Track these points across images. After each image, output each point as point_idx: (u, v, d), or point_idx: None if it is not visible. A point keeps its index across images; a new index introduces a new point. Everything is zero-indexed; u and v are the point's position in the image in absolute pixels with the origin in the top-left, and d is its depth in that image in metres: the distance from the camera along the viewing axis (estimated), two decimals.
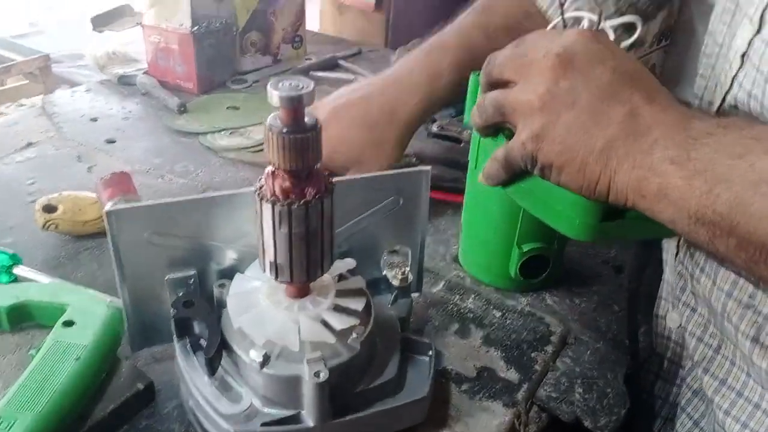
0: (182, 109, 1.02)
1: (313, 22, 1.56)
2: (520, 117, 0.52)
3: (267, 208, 0.45)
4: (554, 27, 0.65)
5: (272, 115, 0.44)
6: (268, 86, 0.43)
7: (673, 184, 0.47)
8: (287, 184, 0.45)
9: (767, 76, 0.51)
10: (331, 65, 1.25)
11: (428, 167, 0.59)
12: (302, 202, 0.45)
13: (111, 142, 0.94)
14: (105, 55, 1.16)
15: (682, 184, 0.46)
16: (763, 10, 0.52)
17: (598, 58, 0.50)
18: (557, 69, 0.50)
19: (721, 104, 0.57)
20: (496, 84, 0.55)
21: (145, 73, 1.12)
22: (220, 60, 1.13)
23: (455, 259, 0.74)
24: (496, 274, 0.69)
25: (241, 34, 1.16)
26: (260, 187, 0.46)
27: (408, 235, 0.61)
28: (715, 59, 0.60)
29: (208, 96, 1.10)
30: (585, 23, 0.62)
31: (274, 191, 0.45)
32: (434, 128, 0.95)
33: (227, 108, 1.06)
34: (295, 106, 0.43)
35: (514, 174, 0.56)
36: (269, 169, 0.46)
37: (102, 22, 1.15)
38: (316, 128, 0.45)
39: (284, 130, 0.43)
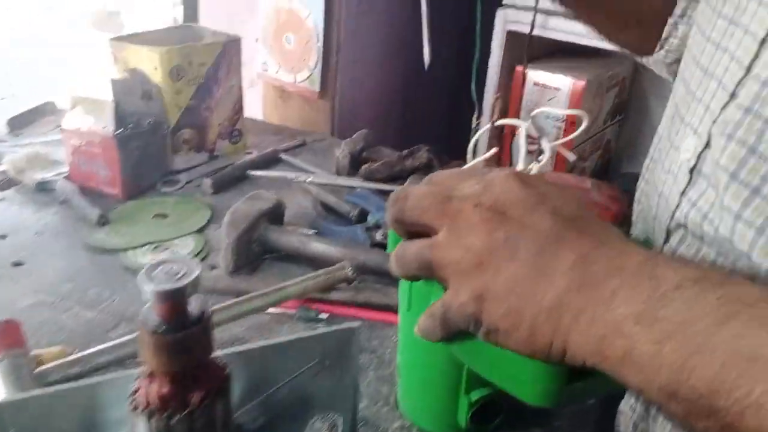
0: (102, 221, 0.93)
1: (255, 110, 1.49)
2: (454, 275, 0.45)
3: (142, 421, 0.37)
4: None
5: (147, 306, 0.36)
6: (140, 276, 0.35)
7: (640, 350, 0.39)
8: (166, 390, 0.36)
9: (724, 201, 0.45)
10: (273, 159, 1.18)
11: (357, 324, 0.51)
12: (185, 412, 0.36)
13: (18, 264, 0.85)
14: (24, 158, 1.07)
15: (651, 349, 0.38)
16: (711, 125, 0.47)
17: (534, 203, 0.44)
18: (491, 222, 0.44)
19: (669, 223, 0.52)
20: (412, 227, 0.48)
21: (65, 177, 1.03)
22: (149, 161, 1.05)
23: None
24: (443, 422, 0.61)
25: (173, 131, 1.08)
26: (134, 392, 0.37)
27: (338, 400, 0.52)
28: (660, 168, 0.55)
29: (135, 202, 1.02)
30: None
31: (149, 400, 0.36)
32: (378, 236, 0.87)
33: (154, 216, 0.98)
34: (174, 300, 0.35)
35: (454, 332, 0.48)
36: (145, 370, 0.37)
37: (20, 123, 1.06)
38: (203, 319, 0.36)
39: (160, 329, 0.35)
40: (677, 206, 0.50)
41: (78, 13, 1.89)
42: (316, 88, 1.33)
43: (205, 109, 1.11)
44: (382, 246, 0.86)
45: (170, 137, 1.08)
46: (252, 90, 1.53)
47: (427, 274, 0.47)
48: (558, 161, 1.58)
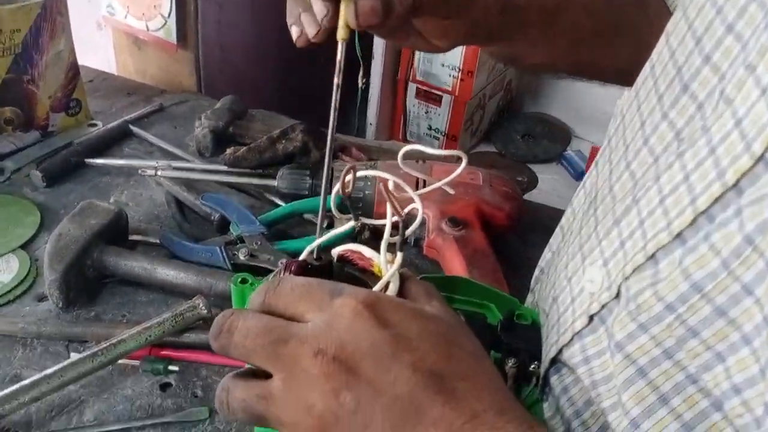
0: None
1: (107, 58, 1.28)
2: None
3: None
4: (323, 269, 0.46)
5: None
6: None
7: None
8: None
9: (629, 355, 0.37)
10: (122, 133, 1.01)
11: None
12: None
13: None
14: None
15: None
16: (624, 280, 0.39)
17: (391, 354, 0.34)
18: (335, 378, 0.34)
19: (554, 358, 0.45)
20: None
21: None
22: None
23: None
24: None
25: None
26: None
27: None
28: (563, 261, 0.46)
29: None
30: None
31: None
32: (242, 256, 0.74)
33: None
34: None
35: None
36: None
37: None
38: None
39: None
40: (567, 343, 0.43)
41: None
42: (173, 39, 1.14)
43: (29, 81, 0.91)
44: (246, 268, 0.74)
45: None
46: (101, 33, 1.31)
47: (259, 424, 0.37)
48: (454, 114, 1.48)
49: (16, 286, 0.73)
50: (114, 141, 0.99)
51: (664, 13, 0.58)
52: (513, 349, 0.49)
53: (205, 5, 1.15)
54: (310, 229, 0.82)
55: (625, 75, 0.60)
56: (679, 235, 0.35)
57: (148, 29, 1.15)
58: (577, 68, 0.68)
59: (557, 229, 0.57)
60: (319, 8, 0.45)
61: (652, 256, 0.37)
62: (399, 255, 0.43)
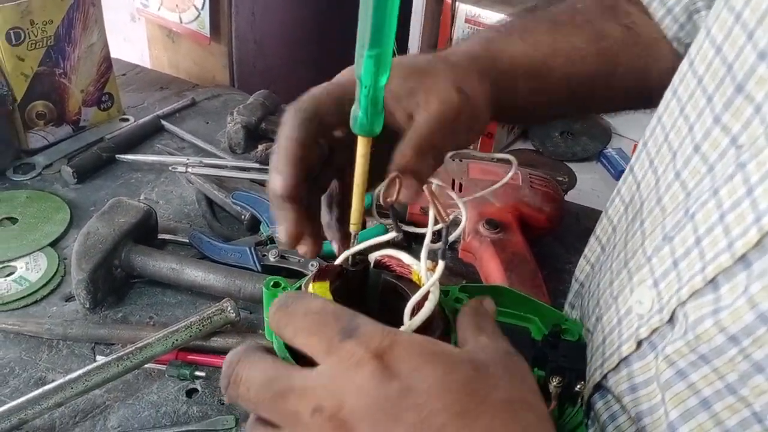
0: None
1: (141, 51, 1.27)
2: None
3: None
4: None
5: None
6: None
7: None
8: None
9: (691, 385, 0.34)
10: (154, 128, 0.99)
11: None
12: None
13: None
14: None
15: None
16: (680, 305, 0.36)
17: (393, 414, 0.30)
18: None
19: (599, 378, 0.42)
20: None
21: None
22: None
23: None
24: None
25: (21, 105, 0.88)
26: None
27: None
28: (603, 308, 0.43)
29: None
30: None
31: None
32: (272, 257, 0.72)
33: (0, 221, 0.80)
34: None
35: None
36: None
37: None
38: None
39: None
40: (614, 368, 0.40)
41: None
42: (206, 31, 1.12)
43: (61, 74, 0.90)
44: (276, 270, 0.72)
45: (19, 112, 0.88)
46: (135, 26, 1.30)
47: None
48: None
49: (43, 286, 0.72)
50: (145, 136, 0.98)
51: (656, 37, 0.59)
52: (557, 367, 0.45)
53: None
54: None
55: (634, 99, 0.60)
56: (742, 257, 0.32)
57: (181, 21, 1.14)
58: (587, 111, 0.67)
59: (592, 239, 0.53)
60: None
61: (712, 280, 0.34)
62: (441, 263, 0.39)
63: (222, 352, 0.65)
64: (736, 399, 0.32)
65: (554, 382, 0.44)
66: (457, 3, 1.31)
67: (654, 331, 0.38)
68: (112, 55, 0.97)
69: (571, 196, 1.08)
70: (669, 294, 0.37)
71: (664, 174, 0.42)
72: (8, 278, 0.72)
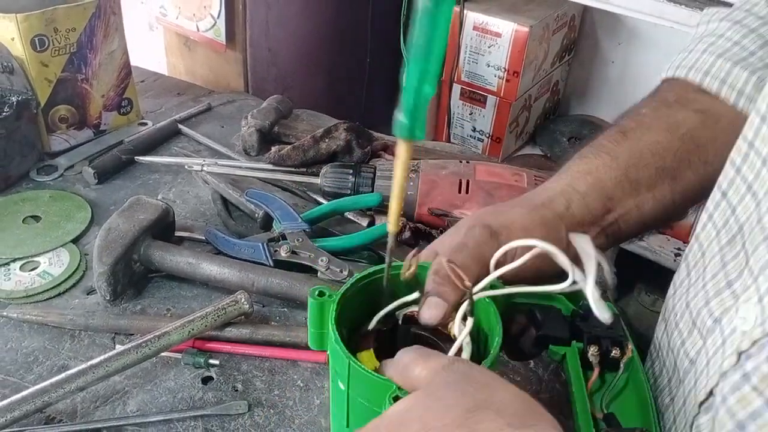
0: None
1: (158, 58, 1.31)
2: None
3: None
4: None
5: None
6: None
7: None
8: None
9: None
10: (171, 132, 1.03)
11: None
12: None
13: None
14: None
15: None
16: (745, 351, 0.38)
17: None
18: None
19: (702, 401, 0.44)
20: None
21: None
22: (16, 148, 0.88)
23: None
24: None
25: (45, 109, 0.92)
26: None
27: None
28: (704, 331, 0.45)
29: (2, 199, 0.86)
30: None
31: None
32: (283, 253, 0.75)
33: (24, 220, 0.83)
34: None
35: None
36: None
37: None
38: None
39: None
40: (715, 385, 0.42)
41: None
42: (222, 39, 1.16)
43: (83, 80, 0.94)
44: (287, 265, 0.74)
45: (42, 116, 0.92)
46: (153, 34, 1.34)
47: None
48: (499, 115, 1.46)
49: (66, 279, 0.75)
50: (163, 139, 1.01)
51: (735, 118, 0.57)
52: (592, 337, 0.49)
53: (253, 6, 1.17)
54: (350, 228, 0.82)
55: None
56: None
57: (198, 29, 1.18)
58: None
59: (682, 265, 0.53)
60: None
61: None
62: (470, 320, 0.44)
63: (235, 341, 0.68)
64: None
65: (592, 350, 0.49)
66: (465, 11, 1.35)
67: (754, 343, 0.39)
68: (131, 63, 1.01)
69: None
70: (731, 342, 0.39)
71: (766, 197, 0.42)
72: (32, 272, 0.76)
